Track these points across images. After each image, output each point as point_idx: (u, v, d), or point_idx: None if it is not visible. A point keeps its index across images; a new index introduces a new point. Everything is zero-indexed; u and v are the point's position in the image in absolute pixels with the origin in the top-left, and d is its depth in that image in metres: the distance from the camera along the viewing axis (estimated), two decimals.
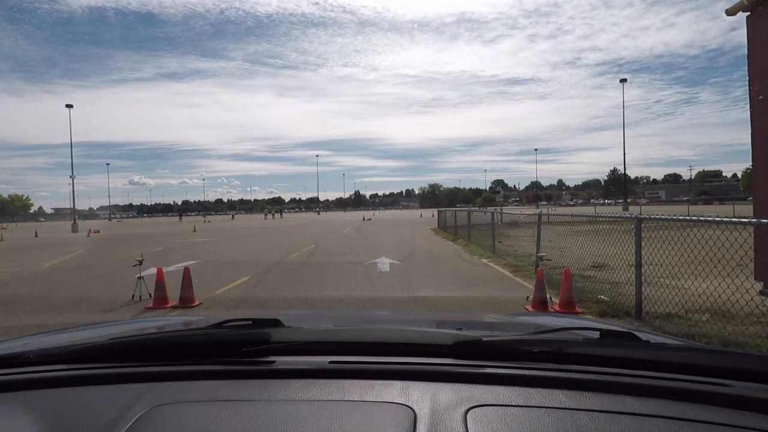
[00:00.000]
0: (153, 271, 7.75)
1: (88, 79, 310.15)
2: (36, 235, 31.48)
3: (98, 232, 33.34)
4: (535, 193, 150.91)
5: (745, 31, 6.00)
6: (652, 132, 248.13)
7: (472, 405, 0.79)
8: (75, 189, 46.75)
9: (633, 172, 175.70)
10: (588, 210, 46.81)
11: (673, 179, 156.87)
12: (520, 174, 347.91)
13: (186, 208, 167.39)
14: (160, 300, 6.65)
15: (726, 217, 4.65)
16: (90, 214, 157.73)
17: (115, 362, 1.01)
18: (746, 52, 5.98)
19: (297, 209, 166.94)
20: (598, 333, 1.12)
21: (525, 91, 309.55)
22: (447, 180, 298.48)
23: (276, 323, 1.16)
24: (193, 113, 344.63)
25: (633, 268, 5.50)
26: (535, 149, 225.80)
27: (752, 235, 5.22)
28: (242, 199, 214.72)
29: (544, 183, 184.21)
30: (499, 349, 0.99)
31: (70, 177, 44.01)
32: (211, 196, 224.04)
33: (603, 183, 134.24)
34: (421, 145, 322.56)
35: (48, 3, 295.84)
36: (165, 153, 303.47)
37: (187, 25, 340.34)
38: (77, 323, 4.16)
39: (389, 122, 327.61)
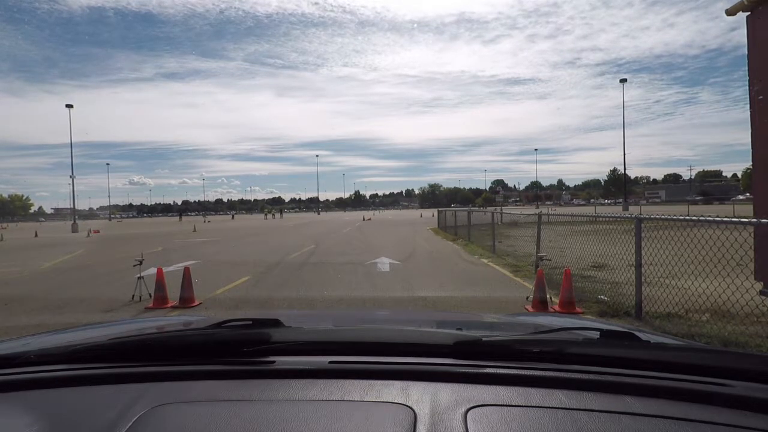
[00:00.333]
0: (153, 271, 7.75)
1: (88, 79, 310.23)
2: (36, 235, 31.49)
3: (98, 232, 33.35)
4: (535, 193, 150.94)
5: (745, 31, 6.00)
6: (652, 132, 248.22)
7: (472, 405, 0.79)
8: (75, 189, 46.80)
9: (633, 172, 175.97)
10: (588, 210, 46.83)
11: (673, 179, 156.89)
12: (520, 174, 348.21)
13: (186, 208, 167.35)
14: (160, 300, 6.65)
15: (726, 217, 4.65)
16: (90, 214, 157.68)
17: (115, 362, 1.01)
18: (746, 52, 5.98)
19: (297, 209, 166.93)
20: (598, 333, 1.12)
21: (525, 91, 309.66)
22: (447, 180, 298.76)
23: (276, 323, 1.16)
24: (193, 113, 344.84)
25: (633, 268, 5.50)
26: (535, 149, 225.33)
27: (752, 235, 5.22)
28: (242, 199, 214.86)
29: (544, 183, 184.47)
30: (499, 349, 0.99)
31: (70, 177, 44.05)
32: (211, 196, 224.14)
33: (603, 183, 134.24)
34: (421, 145, 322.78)
35: (48, 3, 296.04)
36: (165, 153, 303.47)
37: (187, 25, 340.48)
38: (77, 323, 4.16)
39: (389, 122, 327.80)
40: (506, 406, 0.80)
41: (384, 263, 10.62)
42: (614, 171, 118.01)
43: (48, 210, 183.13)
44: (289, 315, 2.21)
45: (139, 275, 7.21)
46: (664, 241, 5.50)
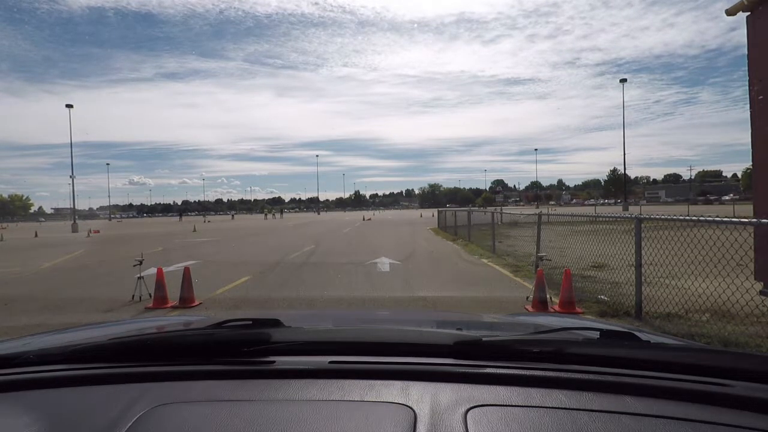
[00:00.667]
0: (153, 271, 7.75)
1: (88, 79, 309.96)
2: (36, 235, 31.48)
3: (98, 232, 33.34)
4: (535, 193, 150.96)
5: (744, 31, 6.00)
6: (651, 132, 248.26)
7: (472, 405, 0.79)
8: (75, 189, 46.79)
9: (633, 172, 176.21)
10: (588, 210, 46.83)
11: (673, 179, 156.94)
12: (520, 174, 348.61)
13: (186, 208, 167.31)
14: (160, 300, 6.65)
15: (726, 217, 4.65)
16: (90, 214, 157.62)
17: (115, 362, 1.01)
18: (746, 52, 5.98)
19: (297, 209, 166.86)
20: (598, 333, 1.12)
21: (525, 91, 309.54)
22: (447, 180, 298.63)
23: (276, 323, 1.16)
24: (192, 113, 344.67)
25: (633, 268, 5.51)
26: (535, 149, 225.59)
27: (752, 235, 5.22)
28: (242, 199, 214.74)
29: (544, 183, 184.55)
30: (499, 349, 0.99)
31: (70, 177, 44.03)
32: (211, 196, 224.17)
33: (603, 183, 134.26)
34: (421, 145, 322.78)
35: (48, 3, 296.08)
36: (165, 153, 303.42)
37: (187, 26, 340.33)
38: (77, 323, 4.16)
39: (389, 122, 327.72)
40: (506, 406, 0.80)
41: (384, 263, 10.62)
42: (614, 171, 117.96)
43: (48, 210, 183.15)
44: (289, 315, 2.21)
45: (139, 275, 7.21)
46: (664, 241, 5.50)
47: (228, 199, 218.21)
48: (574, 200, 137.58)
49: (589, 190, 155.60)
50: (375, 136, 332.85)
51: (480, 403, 0.80)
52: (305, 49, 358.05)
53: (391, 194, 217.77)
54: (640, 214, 5.87)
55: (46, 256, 15.71)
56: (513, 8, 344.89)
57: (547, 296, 5.90)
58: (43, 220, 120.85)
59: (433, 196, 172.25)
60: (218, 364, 0.98)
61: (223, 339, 1.07)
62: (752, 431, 0.73)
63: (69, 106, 42.01)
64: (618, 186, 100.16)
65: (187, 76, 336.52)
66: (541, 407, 0.79)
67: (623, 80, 56.23)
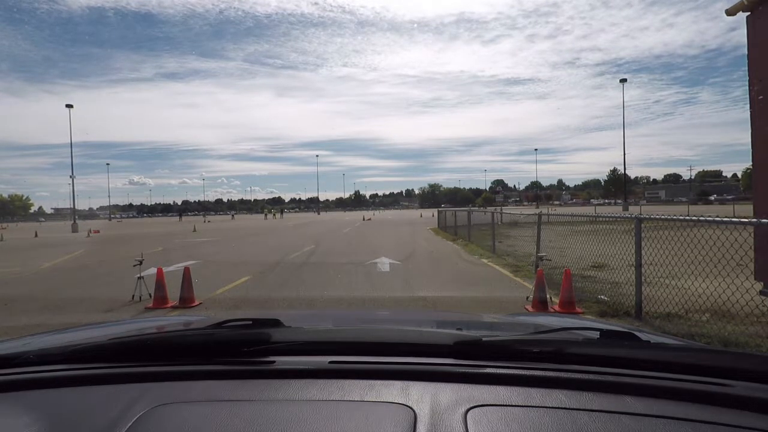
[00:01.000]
0: (153, 271, 7.75)
1: (88, 79, 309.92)
2: (36, 235, 31.48)
3: (98, 232, 33.34)
4: (535, 193, 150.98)
5: (744, 31, 6.00)
6: (651, 132, 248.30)
7: (472, 405, 0.79)
8: (75, 189, 46.79)
9: (633, 172, 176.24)
10: (588, 210, 46.83)
11: (673, 179, 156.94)
12: (520, 174, 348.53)
13: (186, 208, 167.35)
14: (160, 300, 6.65)
15: (726, 217, 4.65)
16: (90, 214, 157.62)
17: (115, 362, 1.01)
18: (746, 52, 5.98)
19: (297, 209, 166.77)
20: (598, 333, 1.12)
21: (524, 91, 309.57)
22: (447, 180, 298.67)
23: (276, 323, 1.16)
24: (192, 113, 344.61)
25: (633, 268, 5.50)
26: (535, 149, 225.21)
27: (752, 235, 5.22)
28: (242, 199, 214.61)
29: (544, 183, 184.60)
30: (499, 349, 0.99)
31: (70, 177, 44.03)
32: (211, 196, 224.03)
33: (603, 183, 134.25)
34: (421, 145, 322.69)
35: (47, 3, 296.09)
36: (165, 153, 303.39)
37: (187, 26, 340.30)
38: (77, 323, 4.16)
39: (389, 122, 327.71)
40: (506, 406, 0.80)
41: (384, 263, 10.62)
42: (614, 171, 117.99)
43: (48, 210, 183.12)
44: (289, 315, 2.21)
45: (139, 275, 7.21)
46: (664, 241, 5.50)
47: (228, 199, 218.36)
48: (574, 200, 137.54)
49: (589, 190, 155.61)
50: (375, 136, 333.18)
51: (480, 403, 0.80)
52: (305, 49, 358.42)
53: (391, 194, 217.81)
54: (640, 214, 5.87)
55: (46, 256, 15.71)
56: (513, 8, 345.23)
57: (547, 296, 5.90)
58: (43, 220, 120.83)
59: (433, 196, 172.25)
60: (218, 364, 0.98)
61: (223, 339, 1.07)
62: (752, 431, 0.73)
63: (69, 106, 42.01)
64: (618, 186, 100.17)
65: (187, 76, 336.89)
66: (541, 407, 0.79)
67: (623, 80, 56.28)
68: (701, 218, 4.91)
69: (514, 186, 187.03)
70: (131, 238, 24.72)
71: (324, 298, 6.95)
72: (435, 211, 34.43)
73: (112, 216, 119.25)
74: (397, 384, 0.88)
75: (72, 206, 48.79)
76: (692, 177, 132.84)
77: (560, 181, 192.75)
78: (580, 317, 4.44)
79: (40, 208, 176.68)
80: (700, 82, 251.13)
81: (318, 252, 14.05)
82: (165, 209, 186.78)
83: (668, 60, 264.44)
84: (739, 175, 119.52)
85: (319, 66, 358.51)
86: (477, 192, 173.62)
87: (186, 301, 6.64)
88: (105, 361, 1.01)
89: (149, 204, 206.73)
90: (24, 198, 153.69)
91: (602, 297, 6.28)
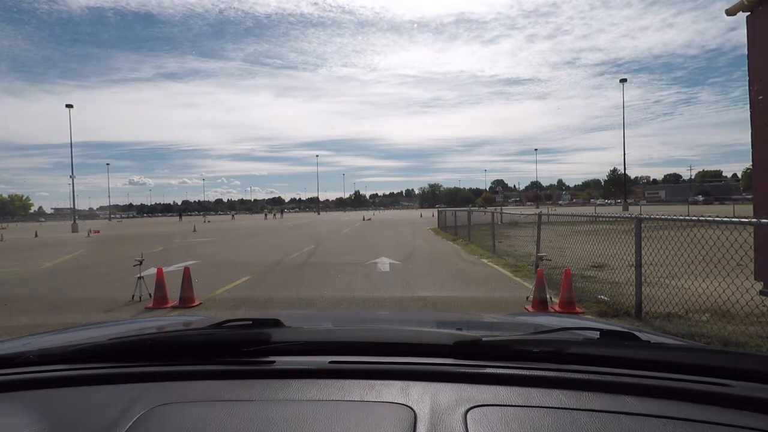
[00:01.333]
0: (153, 271, 7.75)
1: (88, 79, 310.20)
2: (36, 235, 31.48)
3: (98, 232, 33.34)
4: (535, 193, 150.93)
5: (744, 31, 6.00)
6: (651, 132, 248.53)
7: (472, 405, 0.79)
8: (75, 189, 46.81)
9: (633, 172, 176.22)
10: (588, 210, 46.83)
11: (673, 179, 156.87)
12: (520, 174, 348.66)
13: (186, 208, 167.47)
14: (160, 300, 6.65)
15: (726, 217, 4.65)
16: (90, 214, 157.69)
17: (115, 362, 1.01)
18: (746, 52, 5.98)
19: (297, 209, 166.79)
20: (598, 333, 1.12)
21: (524, 91, 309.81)
22: (447, 180, 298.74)
23: (276, 323, 1.16)
24: (192, 113, 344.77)
25: (633, 268, 5.50)
26: (535, 149, 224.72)
27: (752, 235, 5.22)
28: (242, 199, 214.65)
29: (544, 183, 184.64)
30: (499, 349, 0.99)
31: (70, 177, 44.05)
32: (211, 196, 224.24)
33: (603, 183, 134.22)
34: (421, 145, 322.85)
35: (47, 3, 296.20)
36: (165, 153, 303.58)
37: (186, 26, 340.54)
38: (77, 323, 4.16)
39: (389, 122, 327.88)
40: (506, 406, 0.80)
41: (384, 263, 10.61)
42: (614, 171, 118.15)
43: (48, 210, 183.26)
44: (289, 315, 2.21)
45: (139, 275, 7.21)
46: (664, 241, 5.50)
47: (228, 199, 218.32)
48: (574, 200, 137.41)
49: (590, 190, 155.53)
50: (375, 136, 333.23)
51: (480, 403, 0.80)
52: (305, 49, 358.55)
53: (391, 194, 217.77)
54: (640, 214, 5.87)
55: (46, 256, 15.71)
56: (512, 8, 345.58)
57: (547, 296, 5.90)
58: (43, 220, 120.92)
59: (433, 196, 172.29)
60: (218, 364, 0.98)
61: (223, 339, 1.07)
62: (752, 431, 0.73)
63: (69, 106, 42.02)
64: (618, 186, 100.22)
65: (186, 76, 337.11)
66: (541, 407, 0.79)
67: (623, 80, 56.32)
68: (701, 218, 4.91)
69: (514, 186, 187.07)
70: (131, 238, 24.72)
71: (324, 298, 6.95)
72: (435, 211, 34.42)
73: (112, 216, 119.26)
74: (397, 384, 0.88)
75: (72, 206, 48.81)
76: (692, 177, 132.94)
77: (560, 181, 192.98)
78: (580, 317, 4.44)
79: (40, 208, 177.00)
80: (700, 82, 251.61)
81: (318, 252, 14.05)
82: (165, 209, 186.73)
83: (668, 60, 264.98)
84: (739, 175, 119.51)
85: (318, 66, 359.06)
86: (477, 192, 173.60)
87: (186, 301, 6.64)
88: (105, 361, 1.01)
89: (149, 204, 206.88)
90: (24, 198, 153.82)
91: (602, 297, 6.28)
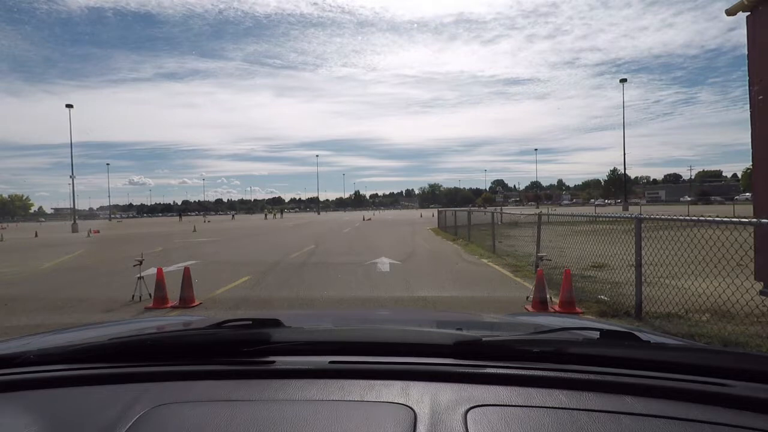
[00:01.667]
0: (153, 271, 7.75)
1: (88, 79, 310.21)
2: (36, 235, 31.49)
3: (98, 232, 33.33)
4: (535, 193, 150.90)
5: (744, 31, 6.00)
6: (651, 132, 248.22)
7: (472, 405, 0.79)
8: (75, 189, 46.82)
9: (633, 172, 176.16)
10: (588, 210, 46.83)
11: (673, 179, 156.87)
12: (519, 174, 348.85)
13: (186, 208, 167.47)
14: (160, 300, 6.65)
15: (726, 217, 4.65)
16: (90, 214, 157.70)
17: (115, 362, 1.01)
18: (746, 52, 5.98)
19: (297, 209, 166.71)
20: (598, 333, 1.12)
21: (524, 91, 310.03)
22: (447, 180, 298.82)
23: (276, 323, 1.16)
24: (192, 113, 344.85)
25: (633, 268, 5.50)
26: (535, 149, 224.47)
27: (752, 235, 5.22)
28: (242, 199, 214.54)
29: (544, 183, 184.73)
30: (499, 349, 0.99)
31: (70, 177, 44.07)
32: (211, 196, 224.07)
33: (603, 183, 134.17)
34: (421, 145, 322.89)
35: (47, 3, 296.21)
36: (165, 153, 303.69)
37: (186, 26, 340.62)
38: (77, 323, 4.16)
39: (388, 122, 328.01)
40: (506, 406, 0.80)
41: (384, 263, 10.62)
42: (614, 171, 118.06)
43: (48, 210, 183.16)
44: (289, 315, 2.21)
45: (139, 275, 7.21)
46: (664, 241, 5.50)
47: (228, 199, 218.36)
48: (574, 200, 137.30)
49: (590, 190, 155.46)
50: (375, 136, 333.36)
51: (480, 403, 0.80)
52: (304, 49, 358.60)
53: (391, 194, 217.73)
54: (640, 214, 5.87)
55: (46, 256, 15.71)
56: (512, 8, 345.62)
57: (547, 296, 5.90)
58: (43, 220, 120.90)
59: (433, 196, 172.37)
60: (218, 364, 0.97)
61: (223, 339, 1.07)
62: (752, 431, 0.73)
63: (69, 106, 42.02)
64: (618, 186, 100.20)
65: (186, 76, 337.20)
66: (541, 407, 0.79)
67: (623, 80, 56.33)
68: (701, 218, 4.91)
69: (514, 186, 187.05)
70: (131, 238, 24.72)
71: (324, 298, 6.94)
72: (435, 211, 34.41)
73: (112, 216, 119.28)
74: (397, 384, 0.88)
75: (72, 206, 48.83)
76: (692, 177, 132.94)
77: (560, 181, 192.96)
78: (580, 317, 4.45)
79: (40, 208, 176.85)
80: (699, 82, 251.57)
81: (318, 252, 14.05)
82: (165, 209, 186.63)
83: (668, 60, 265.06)
84: (739, 175, 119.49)
85: (318, 66, 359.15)
86: (477, 192, 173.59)
87: (186, 301, 6.64)
88: (105, 361, 1.01)
89: (149, 204, 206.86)
90: (24, 198, 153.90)
91: (602, 297, 6.28)
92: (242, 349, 1.01)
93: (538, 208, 55.83)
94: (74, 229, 36.65)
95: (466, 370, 0.92)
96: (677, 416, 0.76)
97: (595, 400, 0.81)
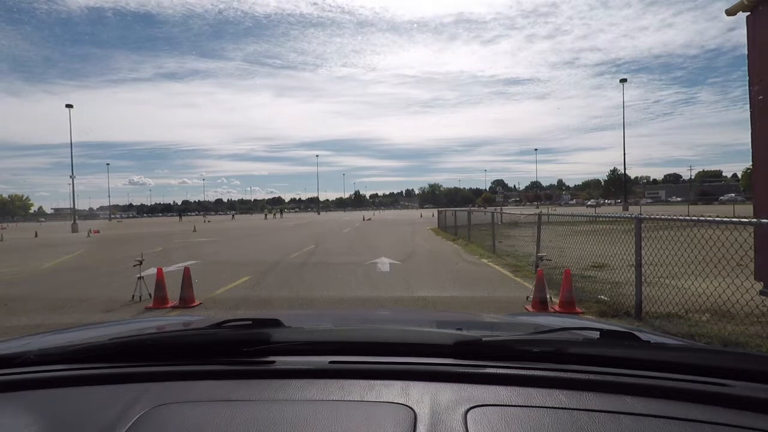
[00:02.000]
0: (153, 271, 7.75)
1: (88, 79, 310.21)
2: (36, 236, 31.48)
3: (98, 232, 33.33)
4: (535, 193, 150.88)
5: (744, 31, 6.00)
6: (651, 132, 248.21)
7: (472, 405, 0.79)
8: (75, 189, 46.82)
9: (633, 172, 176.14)
10: (588, 210, 46.86)
11: (673, 179, 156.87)
12: (520, 174, 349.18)
13: (186, 208, 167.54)
14: (160, 300, 6.65)
15: (726, 217, 4.65)
16: (90, 214, 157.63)
17: (115, 362, 1.01)
18: (746, 52, 5.98)
19: (297, 209, 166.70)
20: (598, 333, 1.12)
21: (524, 91, 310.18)
22: (447, 180, 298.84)
23: (276, 323, 1.16)
24: (192, 113, 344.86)
25: (633, 268, 5.50)
26: (535, 149, 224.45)
27: (752, 235, 5.22)
28: (242, 199, 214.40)
29: (544, 183, 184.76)
30: (499, 349, 0.99)
31: (70, 177, 44.07)
32: (211, 196, 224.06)
33: (603, 183, 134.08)
34: (421, 145, 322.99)
35: (47, 3, 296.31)
36: (165, 153, 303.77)
37: (186, 26, 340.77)
38: (77, 323, 4.16)
39: (388, 122, 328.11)
40: (506, 406, 0.80)
41: (384, 263, 10.61)
42: (614, 171, 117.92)
43: (48, 210, 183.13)
44: (289, 315, 2.21)
45: (139, 275, 7.21)
46: (664, 241, 5.50)
47: (228, 199, 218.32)
48: (575, 200, 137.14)
49: (590, 190, 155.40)
50: (375, 136, 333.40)
51: (480, 403, 0.80)
52: (304, 49, 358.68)
53: (391, 194, 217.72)
54: (640, 214, 5.87)
55: (46, 256, 15.71)
56: (512, 8, 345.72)
57: (547, 296, 5.90)
58: (43, 220, 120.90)
59: (433, 196, 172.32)
60: (218, 364, 0.97)
61: (223, 339, 1.07)
62: (752, 431, 0.73)
63: (69, 106, 42.02)
64: (618, 186, 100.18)
65: (186, 76, 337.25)
66: (541, 407, 0.79)
67: (623, 80, 56.32)
68: (701, 218, 4.91)
69: (514, 186, 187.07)
70: (131, 238, 24.72)
71: (324, 298, 6.94)
72: (435, 211, 34.41)
73: (112, 216, 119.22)
74: (397, 384, 0.88)
75: (72, 206, 48.82)
76: (692, 177, 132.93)
77: (560, 181, 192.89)
78: (580, 317, 4.45)
79: (40, 208, 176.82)
80: (699, 82, 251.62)
81: (318, 252, 14.05)
82: (165, 209, 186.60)
83: (668, 60, 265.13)
84: (739, 175, 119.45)
85: (318, 66, 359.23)
86: (477, 192, 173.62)
87: (186, 301, 6.64)
88: (105, 361, 1.01)
89: (149, 204, 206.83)
90: (24, 198, 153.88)
91: (602, 297, 6.28)
92: (242, 349, 1.01)
93: (538, 207, 55.83)
94: (74, 229, 36.65)
95: (466, 370, 0.92)
96: (677, 416, 0.76)
97: (595, 400, 0.81)
